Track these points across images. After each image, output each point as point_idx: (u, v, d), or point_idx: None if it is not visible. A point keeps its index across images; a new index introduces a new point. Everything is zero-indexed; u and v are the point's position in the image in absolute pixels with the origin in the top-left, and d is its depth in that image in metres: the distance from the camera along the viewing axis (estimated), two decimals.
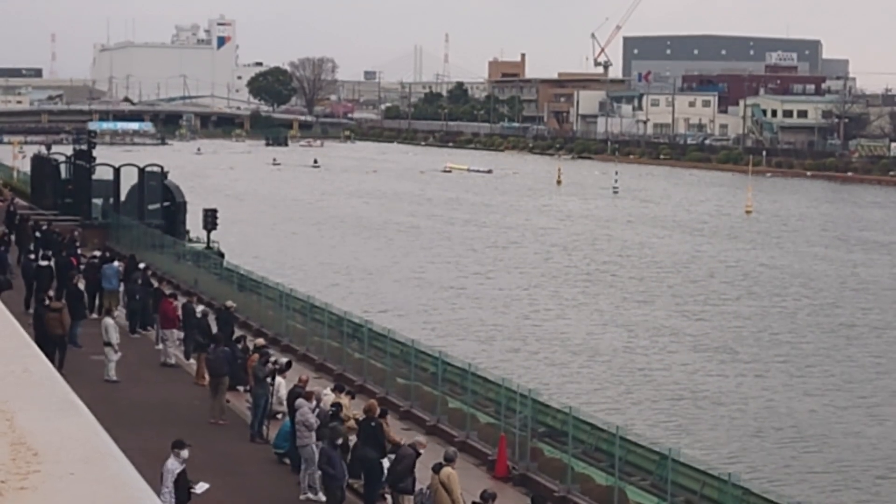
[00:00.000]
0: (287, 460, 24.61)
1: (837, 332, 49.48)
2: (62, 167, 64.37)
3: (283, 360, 29.50)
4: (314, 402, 23.54)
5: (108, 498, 1.62)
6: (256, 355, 27.93)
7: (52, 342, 28.97)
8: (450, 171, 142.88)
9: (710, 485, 21.69)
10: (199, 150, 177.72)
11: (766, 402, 37.48)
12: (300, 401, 23.45)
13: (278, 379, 27.35)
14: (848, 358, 44.48)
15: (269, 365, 27.18)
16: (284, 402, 26.13)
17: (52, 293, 33.11)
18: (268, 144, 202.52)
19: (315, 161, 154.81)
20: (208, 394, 28.06)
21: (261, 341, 30.43)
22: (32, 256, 40.63)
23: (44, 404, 1.91)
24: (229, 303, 35.44)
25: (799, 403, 37.51)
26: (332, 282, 58.77)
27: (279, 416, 26.66)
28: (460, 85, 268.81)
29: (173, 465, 19.09)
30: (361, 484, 22.61)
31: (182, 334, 33.70)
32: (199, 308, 34.55)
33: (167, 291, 37.02)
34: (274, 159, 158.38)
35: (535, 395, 26.19)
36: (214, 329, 32.31)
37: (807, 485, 29.87)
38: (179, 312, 33.94)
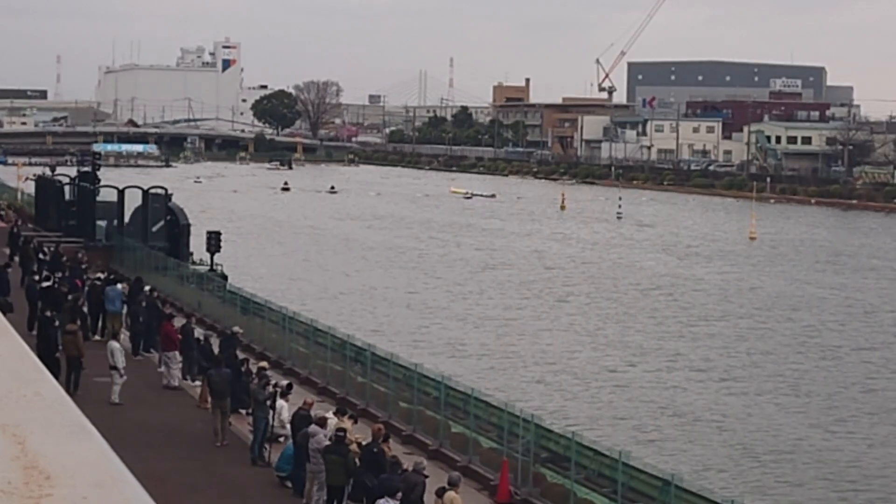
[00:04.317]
0: (289, 483, 24.57)
1: (842, 356, 49.54)
2: (66, 189, 64.48)
3: (284, 382, 29.47)
4: (328, 429, 23.52)
5: None
6: (256, 378, 27.95)
7: (64, 363, 29.38)
8: (470, 198, 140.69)
9: None
10: (198, 178, 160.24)
11: (769, 426, 37.45)
12: (315, 427, 23.40)
13: (281, 402, 27.34)
14: (851, 382, 44.59)
15: (270, 388, 27.18)
16: (287, 426, 26.08)
17: (49, 313, 33.23)
18: (271, 168, 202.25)
19: (332, 187, 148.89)
20: (210, 416, 28.06)
21: (264, 364, 30.42)
22: (37, 278, 40.67)
23: (55, 428, 1.91)
24: (236, 328, 35.36)
25: (801, 427, 37.49)
26: (334, 305, 58.77)
27: (281, 439, 26.61)
28: (465, 109, 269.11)
29: None
30: None
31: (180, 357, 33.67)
32: (200, 331, 34.58)
33: (167, 313, 36.98)
34: (285, 183, 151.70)
35: (538, 420, 26.16)
36: (216, 352, 32.30)
37: None
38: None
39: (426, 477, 21.39)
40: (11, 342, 2.38)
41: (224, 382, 27.72)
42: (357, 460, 22.65)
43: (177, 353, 33.11)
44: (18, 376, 2.14)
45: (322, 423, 23.61)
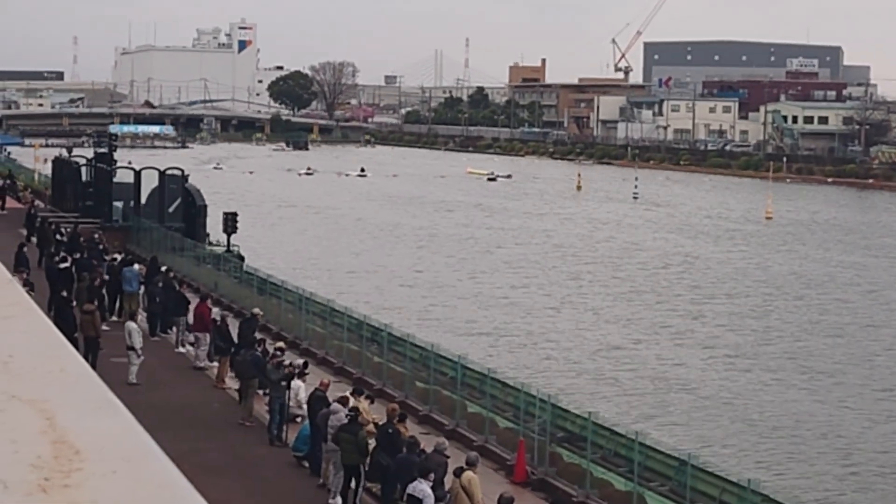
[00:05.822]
0: (306, 463, 24.64)
1: (850, 333, 49.63)
2: (83, 170, 64.60)
3: (299, 361, 29.48)
4: (349, 409, 23.53)
5: (152, 496, 1.64)
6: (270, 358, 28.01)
7: (82, 343, 29.46)
8: (494, 179, 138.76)
9: (730, 491, 21.67)
10: (217, 164, 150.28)
11: (785, 406, 37.47)
12: (337, 406, 23.42)
13: (297, 382, 27.37)
14: (860, 359, 44.77)
15: (288, 368, 27.20)
16: (304, 406, 26.11)
17: (64, 294, 33.35)
18: (276, 149, 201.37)
19: (362, 170, 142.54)
20: (237, 397, 28.21)
21: (281, 344, 30.47)
22: (56, 259, 40.79)
23: (82, 403, 1.93)
24: (256, 310, 35.37)
25: (817, 407, 37.50)
26: (350, 285, 58.83)
27: (298, 419, 26.67)
28: (481, 90, 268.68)
29: (426, 488, 19.81)
30: (379, 488, 22.60)
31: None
32: (216, 312, 34.64)
33: (187, 294, 37.05)
34: (308, 168, 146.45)
35: (555, 400, 26.18)
36: (234, 333, 32.35)
37: (825, 489, 29.85)
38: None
39: (448, 458, 21.40)
40: (35, 319, 2.39)
41: (247, 364, 27.76)
42: (368, 439, 22.65)
43: (207, 334, 33.08)
44: (43, 352, 2.15)
45: (345, 402, 23.61)
